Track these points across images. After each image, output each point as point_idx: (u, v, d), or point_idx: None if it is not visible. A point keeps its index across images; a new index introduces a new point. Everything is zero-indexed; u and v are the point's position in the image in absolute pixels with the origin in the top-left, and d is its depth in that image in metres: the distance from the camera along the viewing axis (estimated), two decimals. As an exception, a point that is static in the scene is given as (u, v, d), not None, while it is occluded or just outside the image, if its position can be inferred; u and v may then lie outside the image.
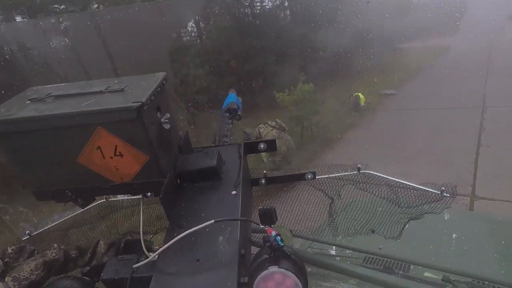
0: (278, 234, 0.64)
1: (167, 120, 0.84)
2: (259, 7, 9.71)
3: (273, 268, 0.61)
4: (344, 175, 1.21)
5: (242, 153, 1.03)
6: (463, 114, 8.22)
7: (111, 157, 0.78)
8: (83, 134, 0.75)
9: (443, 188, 1.05)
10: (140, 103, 0.71)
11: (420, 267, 1.11)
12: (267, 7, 9.87)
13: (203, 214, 0.81)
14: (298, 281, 0.61)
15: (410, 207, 1.12)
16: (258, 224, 0.71)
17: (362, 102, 9.14)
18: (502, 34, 12.09)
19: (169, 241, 0.74)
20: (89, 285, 0.92)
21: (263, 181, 1.15)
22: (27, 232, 1.14)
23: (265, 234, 0.64)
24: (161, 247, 0.77)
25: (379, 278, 1.04)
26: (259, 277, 0.62)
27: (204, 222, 0.73)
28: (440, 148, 6.84)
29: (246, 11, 9.56)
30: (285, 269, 0.61)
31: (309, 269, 0.68)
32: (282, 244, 0.64)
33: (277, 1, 10.24)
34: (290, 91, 7.23)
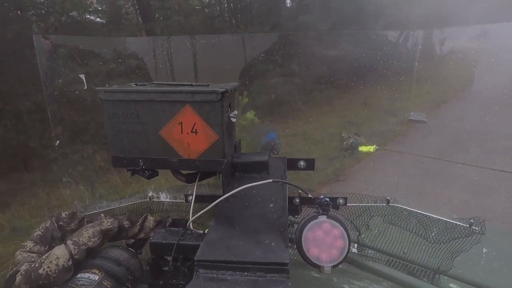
0: (326, 197, 0.74)
1: (234, 116, 1.03)
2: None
3: (323, 218, 0.69)
4: (373, 206, 1.28)
5: (286, 162, 1.17)
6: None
7: (188, 133, 0.95)
8: (172, 109, 0.94)
9: (471, 221, 1.09)
10: (225, 89, 0.92)
11: (446, 277, 1.08)
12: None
13: (254, 191, 0.92)
14: (344, 232, 0.68)
15: (439, 243, 1.14)
16: (307, 193, 0.81)
17: (363, 150, 5.94)
18: None
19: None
20: (135, 256, 0.99)
21: (297, 200, 1.25)
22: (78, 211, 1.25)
23: (315, 197, 0.74)
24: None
25: (416, 285, 1.01)
26: (309, 225, 0.69)
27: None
28: None
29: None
30: (333, 220, 0.69)
31: (341, 266, 0.73)
32: (330, 202, 0.73)
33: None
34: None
